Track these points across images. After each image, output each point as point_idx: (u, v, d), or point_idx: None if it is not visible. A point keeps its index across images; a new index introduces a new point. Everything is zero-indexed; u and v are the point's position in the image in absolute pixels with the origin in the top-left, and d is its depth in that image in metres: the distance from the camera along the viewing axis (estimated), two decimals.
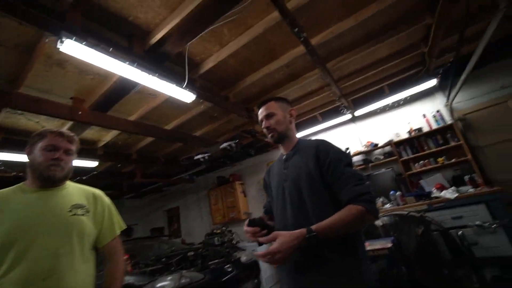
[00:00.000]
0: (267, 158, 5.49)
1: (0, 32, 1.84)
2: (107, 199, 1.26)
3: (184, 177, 6.05)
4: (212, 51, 2.53)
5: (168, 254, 3.19)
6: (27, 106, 2.31)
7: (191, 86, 2.56)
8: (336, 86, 3.39)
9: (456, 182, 3.39)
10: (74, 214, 1.07)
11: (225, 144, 3.41)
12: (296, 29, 2.06)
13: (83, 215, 1.10)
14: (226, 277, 2.48)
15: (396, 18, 2.64)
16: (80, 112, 2.72)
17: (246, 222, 1.10)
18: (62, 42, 1.56)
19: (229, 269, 2.59)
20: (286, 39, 2.55)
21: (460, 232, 2.39)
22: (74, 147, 1.17)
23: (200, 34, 2.09)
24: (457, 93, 3.32)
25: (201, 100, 2.78)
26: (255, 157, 5.58)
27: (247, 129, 3.34)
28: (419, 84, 3.66)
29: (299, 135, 4.69)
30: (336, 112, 4.33)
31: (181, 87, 2.45)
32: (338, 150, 1.12)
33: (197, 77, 2.78)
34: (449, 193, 2.99)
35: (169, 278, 2.22)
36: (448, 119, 3.70)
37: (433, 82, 3.63)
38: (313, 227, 0.90)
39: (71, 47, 1.64)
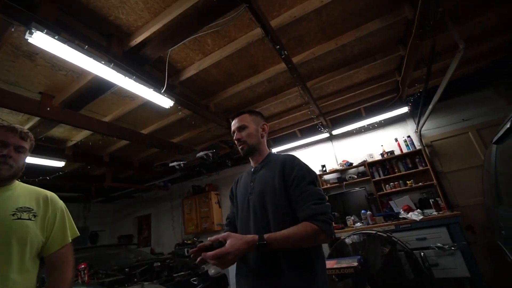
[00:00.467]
0: (245, 170, 5.44)
1: None
2: (61, 203, 1.17)
3: (158, 183, 5.85)
4: (194, 59, 2.53)
5: (133, 264, 3.01)
6: None
7: (170, 92, 2.52)
8: (315, 105, 3.50)
9: (422, 204, 3.55)
10: (18, 218, 0.98)
11: (201, 153, 3.36)
12: (278, 47, 2.12)
13: (29, 219, 1.01)
14: None
15: (373, 47, 2.81)
16: (48, 109, 2.57)
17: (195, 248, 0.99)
18: (31, 33, 1.49)
19: (195, 282, 2.48)
20: (269, 54, 2.62)
21: (422, 253, 2.48)
22: (27, 144, 1.09)
23: (183, 42, 2.10)
24: (425, 121, 3.54)
25: (180, 107, 2.74)
26: (233, 168, 5.53)
27: (225, 139, 3.33)
28: (392, 110, 3.87)
29: (278, 149, 4.76)
30: (315, 129, 4.44)
31: (160, 92, 2.41)
32: (303, 167, 1.11)
33: (177, 84, 2.75)
34: (415, 215, 3.12)
35: None
36: (417, 145, 3.92)
37: (405, 109, 3.85)
38: (265, 235, 0.90)
39: (42, 40, 1.57)
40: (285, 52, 2.24)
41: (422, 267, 2.41)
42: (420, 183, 3.70)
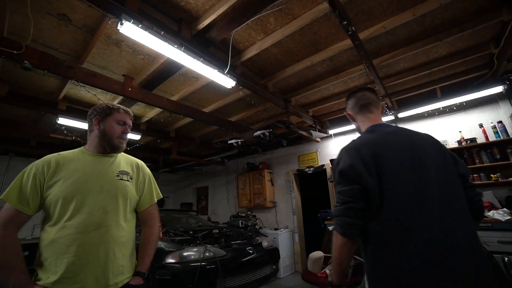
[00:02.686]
0: (299, 151, 5.45)
1: (72, 13, 2.07)
2: (148, 170, 1.40)
3: (216, 159, 6.30)
4: (256, 39, 2.55)
5: (195, 228, 3.42)
6: (87, 79, 2.58)
7: (232, 72, 2.62)
8: (381, 84, 3.19)
9: (510, 203, 3.03)
10: (121, 179, 1.21)
11: (258, 132, 3.46)
12: (345, 22, 1.97)
13: (128, 181, 1.24)
14: (247, 258, 2.60)
15: (462, 14, 2.36)
16: (130, 89, 2.96)
17: None
18: (122, 24, 1.70)
19: (250, 251, 2.70)
20: (333, 31, 2.45)
21: (506, 259, 2.16)
22: (131, 125, 1.34)
23: (246, 22, 2.11)
24: None
25: (240, 87, 2.83)
26: (286, 148, 5.57)
27: (282, 119, 3.34)
28: (480, 90, 3.27)
29: (336, 131, 4.57)
30: None
31: (223, 73, 2.52)
32: (335, 165, 1.06)
33: (238, 64, 2.83)
34: (499, 215, 2.70)
35: (195, 249, 2.40)
36: None
37: (498, 89, 3.21)
38: None
39: (129, 29, 1.79)
40: (352, 28, 2.06)
41: (505, 274, 2.11)
42: (511, 178, 3.14)
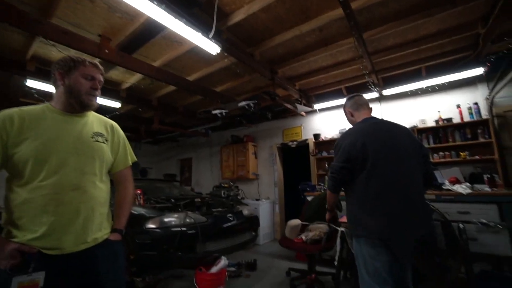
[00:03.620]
0: (283, 125, 5.47)
1: None
2: (122, 132, 1.36)
3: (200, 130, 6.22)
4: (243, 1, 2.39)
5: (177, 197, 3.45)
6: (58, 37, 2.36)
7: (217, 38, 2.49)
8: (369, 60, 3.17)
9: (473, 179, 3.28)
10: (96, 141, 1.17)
11: (243, 103, 3.40)
12: None
13: (103, 142, 1.20)
14: (227, 225, 2.70)
15: None
16: (106, 51, 2.75)
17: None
18: None
19: (231, 218, 2.80)
20: None
21: (462, 225, 2.38)
22: (103, 81, 1.23)
23: None
24: (503, 86, 3.02)
25: (226, 54, 2.71)
26: (271, 122, 5.57)
27: (268, 91, 3.28)
28: (463, 71, 3.34)
29: (321, 106, 4.59)
30: (363, 88, 4.11)
31: (208, 37, 2.38)
32: (336, 144, 1.59)
33: (224, 29, 2.68)
34: (462, 188, 2.92)
35: (175, 215, 2.45)
36: (484, 114, 3.43)
37: (479, 71, 3.29)
38: None
39: None
40: None
41: (458, 239, 2.34)
42: (477, 156, 3.35)
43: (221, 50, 2.58)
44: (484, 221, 2.66)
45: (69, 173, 1.05)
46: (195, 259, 2.33)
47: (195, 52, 3.07)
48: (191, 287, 2.68)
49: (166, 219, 2.35)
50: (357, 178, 1.45)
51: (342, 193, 1.62)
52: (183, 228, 2.28)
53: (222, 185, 4.89)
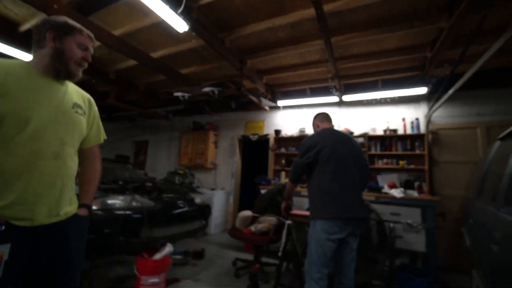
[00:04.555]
0: (246, 117, 5.48)
1: None
2: (96, 108, 1.29)
3: (160, 112, 5.89)
4: None
5: (126, 179, 3.23)
6: None
7: (186, 15, 2.35)
8: (334, 64, 3.33)
9: (407, 185, 3.69)
10: (76, 112, 1.12)
11: (208, 89, 3.30)
12: None
13: (82, 115, 1.15)
14: (176, 211, 2.62)
15: (414, 11, 2.54)
16: (56, 7, 2.41)
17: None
18: None
19: (181, 205, 2.72)
20: None
21: (392, 225, 2.69)
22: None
23: None
24: (439, 106, 3.44)
25: (194, 34, 2.59)
26: (235, 113, 5.53)
27: (234, 79, 3.23)
28: (411, 88, 3.71)
29: (285, 103, 4.70)
30: (326, 91, 4.32)
31: (176, 12, 2.24)
32: (300, 144, 1.99)
33: (195, 7, 2.55)
34: (397, 192, 3.27)
35: (121, 198, 2.29)
36: (423, 129, 3.88)
37: (423, 90, 3.69)
38: None
39: None
40: None
41: (387, 236, 2.63)
42: (412, 166, 3.79)
43: (189, 29, 2.45)
44: (409, 222, 3.04)
45: (50, 141, 1.00)
46: (139, 244, 2.22)
47: (162, 28, 2.87)
48: (132, 273, 2.56)
49: (109, 201, 2.18)
50: (315, 171, 1.82)
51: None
52: (128, 212, 2.15)
53: (177, 171, 4.73)
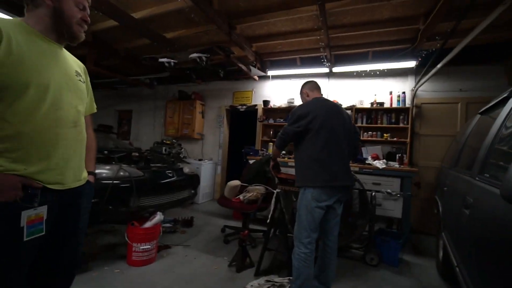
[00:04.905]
0: (234, 87, 5.34)
1: None
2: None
3: (144, 80, 5.59)
4: None
5: (112, 149, 3.15)
6: None
7: None
8: (326, 33, 3.22)
9: (389, 157, 3.86)
10: (79, 80, 1.10)
11: (195, 55, 3.12)
12: None
13: (83, 83, 1.13)
14: (165, 180, 2.62)
15: None
16: None
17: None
18: None
19: (170, 174, 2.72)
20: None
21: (373, 193, 2.86)
22: None
23: None
24: (426, 80, 3.49)
25: None
26: (222, 82, 5.36)
27: (222, 45, 3.06)
28: (401, 61, 3.72)
29: (274, 73, 4.59)
30: (316, 62, 4.24)
31: None
32: (292, 112, 1.96)
33: None
34: (380, 164, 3.43)
35: (107, 167, 2.25)
36: (408, 103, 3.96)
37: (412, 63, 3.71)
38: None
39: None
40: None
41: (368, 204, 2.81)
42: (395, 138, 3.93)
43: None
44: (389, 191, 3.23)
45: (69, 109, 1.01)
46: (129, 213, 2.23)
47: None
48: (122, 241, 2.62)
49: (96, 171, 2.13)
50: (305, 140, 1.83)
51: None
52: (116, 181, 2.12)
53: (164, 141, 4.65)
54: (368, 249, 2.70)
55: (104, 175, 2.18)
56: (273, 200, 2.27)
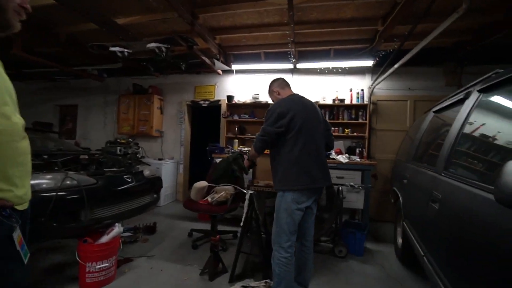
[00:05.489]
0: (196, 81, 5.05)
1: None
2: None
3: (91, 71, 4.93)
4: None
5: (53, 152, 2.67)
6: None
7: None
8: (293, 28, 3.18)
9: (349, 151, 4.07)
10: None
11: (154, 45, 2.79)
12: None
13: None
14: (123, 187, 2.32)
15: None
16: None
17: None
18: None
19: (128, 180, 2.41)
20: None
21: (340, 188, 2.96)
22: None
23: None
24: (383, 79, 3.72)
25: None
26: (183, 75, 5.02)
27: (185, 35, 2.79)
28: (359, 60, 3.91)
29: (237, 67, 4.44)
30: (280, 57, 4.23)
31: None
32: (269, 110, 1.82)
33: None
34: (343, 158, 3.58)
35: (48, 176, 1.87)
36: (366, 100, 4.20)
37: (370, 63, 3.92)
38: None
39: None
40: None
41: (336, 197, 2.90)
42: (355, 133, 4.15)
43: None
44: (352, 184, 3.40)
45: (18, 118, 0.90)
46: (80, 228, 1.91)
47: None
48: (72, 259, 2.25)
49: (32, 182, 1.76)
50: (284, 141, 1.74)
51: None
52: (61, 193, 1.78)
53: (118, 140, 4.16)
54: (336, 242, 2.80)
55: (44, 186, 1.81)
56: (246, 202, 2.17)
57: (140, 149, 4.65)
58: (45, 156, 2.39)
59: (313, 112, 1.86)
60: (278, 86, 2.00)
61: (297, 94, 1.95)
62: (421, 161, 2.14)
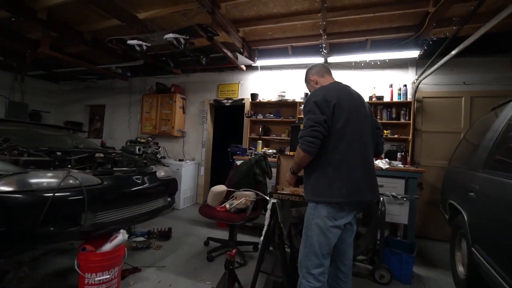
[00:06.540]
0: (219, 79, 4.82)
1: None
2: None
3: (114, 69, 4.92)
4: None
5: (68, 149, 2.56)
6: None
7: None
8: (324, 16, 2.80)
9: (389, 155, 3.53)
10: None
11: (171, 35, 2.57)
12: None
13: None
14: (132, 189, 2.09)
15: None
16: None
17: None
18: None
19: (138, 181, 2.19)
20: None
21: (382, 198, 2.49)
22: None
23: None
24: (430, 73, 3.17)
25: None
26: (205, 74, 4.84)
27: (204, 24, 2.54)
28: (402, 51, 3.39)
29: (262, 63, 4.12)
30: (309, 51, 3.84)
31: None
32: (305, 102, 1.39)
33: None
34: (382, 163, 3.07)
35: (49, 174, 1.69)
36: (410, 97, 3.64)
37: (415, 53, 3.39)
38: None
39: None
40: None
41: (376, 209, 2.43)
42: (396, 135, 3.60)
43: None
44: (394, 194, 2.87)
45: None
46: (80, 233, 1.70)
47: None
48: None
49: (32, 180, 1.58)
50: (324, 138, 1.30)
51: None
52: (58, 194, 1.58)
53: (138, 139, 4.06)
54: (377, 265, 2.32)
55: (44, 184, 1.62)
56: (268, 212, 1.81)
57: (160, 149, 4.54)
58: (58, 153, 2.26)
59: (362, 105, 1.45)
60: (317, 73, 1.61)
61: (340, 82, 1.53)
62: (502, 169, 1.62)
